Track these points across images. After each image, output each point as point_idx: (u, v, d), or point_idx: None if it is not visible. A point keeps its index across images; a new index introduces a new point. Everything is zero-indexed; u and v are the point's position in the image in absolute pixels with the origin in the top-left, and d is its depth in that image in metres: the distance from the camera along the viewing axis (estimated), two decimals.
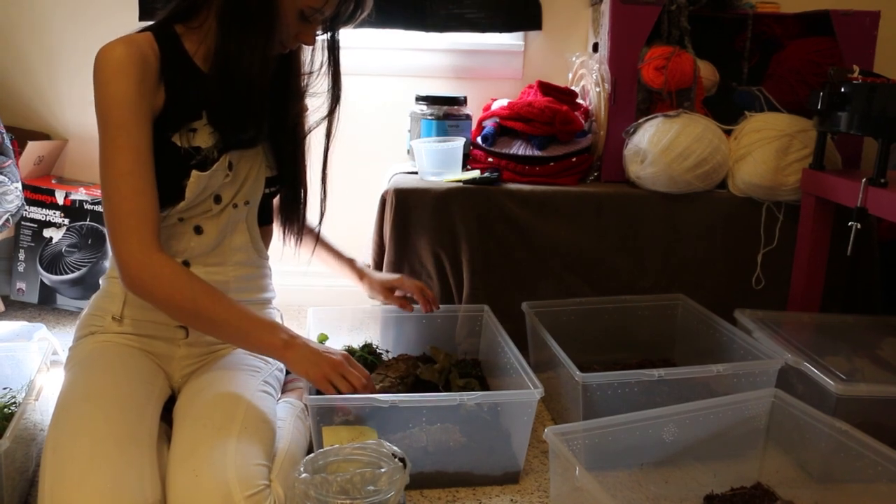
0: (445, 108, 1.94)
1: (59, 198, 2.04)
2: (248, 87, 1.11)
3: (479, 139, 1.93)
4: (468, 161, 1.94)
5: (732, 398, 1.28)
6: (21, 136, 2.05)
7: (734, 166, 1.83)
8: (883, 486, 1.12)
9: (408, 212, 1.74)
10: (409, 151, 2.02)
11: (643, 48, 1.89)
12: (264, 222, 1.33)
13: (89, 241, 2.04)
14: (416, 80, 2.20)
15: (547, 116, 1.84)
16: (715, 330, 1.62)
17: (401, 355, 1.58)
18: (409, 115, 2.02)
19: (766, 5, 2.03)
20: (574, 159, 1.87)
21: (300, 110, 1.28)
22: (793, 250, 1.80)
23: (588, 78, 1.99)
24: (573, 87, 2.05)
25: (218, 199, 1.21)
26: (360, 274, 1.51)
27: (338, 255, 1.51)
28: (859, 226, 1.51)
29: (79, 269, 2.03)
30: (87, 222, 2.04)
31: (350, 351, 1.56)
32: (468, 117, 1.96)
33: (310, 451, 1.24)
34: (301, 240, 1.42)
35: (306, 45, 1.18)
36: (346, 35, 1.26)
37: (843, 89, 1.57)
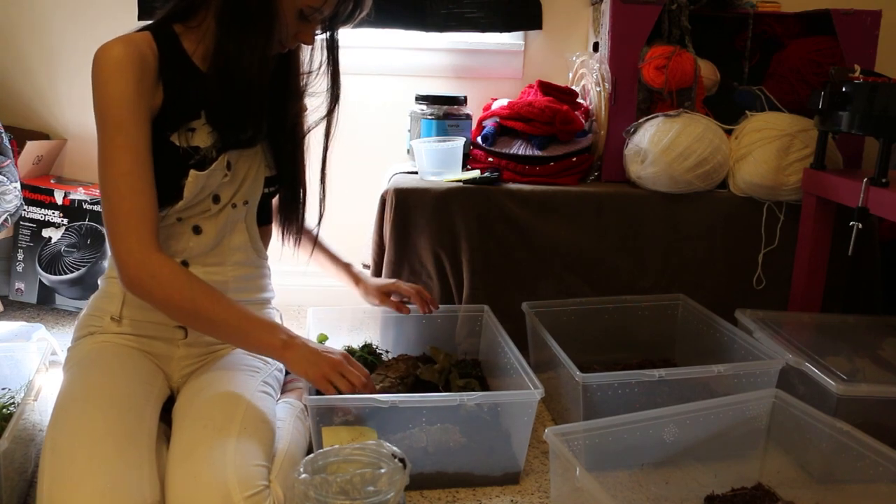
0: (445, 107, 1.94)
1: (58, 197, 2.03)
2: (247, 87, 1.11)
3: (479, 139, 1.93)
4: (468, 161, 1.93)
5: (733, 398, 1.28)
6: (20, 136, 2.05)
7: (735, 166, 1.82)
8: (884, 486, 1.12)
9: (408, 212, 1.73)
10: (409, 151, 2.02)
11: (644, 48, 1.88)
12: (263, 222, 1.33)
13: (88, 241, 2.04)
14: (416, 80, 2.20)
15: (547, 116, 1.84)
16: (715, 330, 1.62)
17: (401, 355, 1.57)
18: (409, 114, 2.02)
19: (766, 4, 2.03)
20: (574, 159, 1.87)
21: (299, 110, 1.28)
22: (794, 250, 1.80)
23: (588, 77, 1.98)
24: (573, 87, 2.04)
25: (217, 199, 1.21)
26: (357, 279, 1.51)
27: (335, 259, 1.50)
28: (860, 226, 1.50)
29: (78, 269, 2.03)
30: (86, 222, 2.04)
31: (350, 351, 1.56)
32: (468, 117, 1.96)
33: (309, 451, 1.23)
34: (300, 240, 1.42)
35: (305, 44, 1.18)
36: (346, 34, 1.25)
37: (844, 89, 1.57)
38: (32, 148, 2.06)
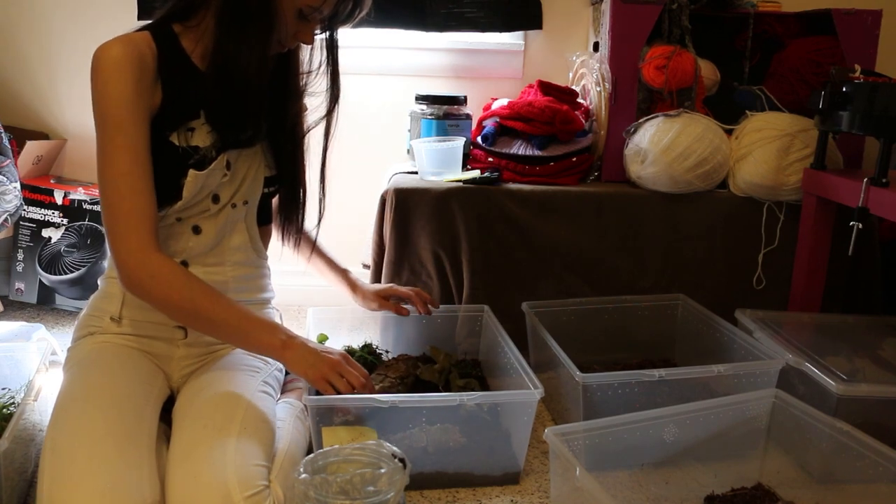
0: (445, 107, 1.94)
1: (58, 197, 2.03)
2: (246, 86, 1.11)
3: (479, 139, 1.93)
4: (468, 161, 1.93)
5: (733, 398, 1.28)
6: (20, 136, 2.05)
7: (735, 166, 1.82)
8: (884, 486, 1.12)
9: (408, 212, 1.73)
10: (409, 151, 2.02)
11: (644, 47, 1.88)
12: (263, 222, 1.33)
13: (88, 241, 2.04)
14: (416, 80, 2.20)
15: (547, 116, 1.84)
16: (715, 330, 1.61)
17: (401, 355, 1.57)
18: (409, 114, 2.02)
19: (767, 4, 2.03)
20: (574, 159, 1.87)
21: (299, 110, 1.28)
22: (794, 250, 1.80)
23: (588, 77, 1.98)
24: (573, 87, 2.04)
25: (216, 199, 1.21)
26: (353, 286, 1.51)
27: (332, 264, 1.50)
28: (860, 226, 1.50)
29: (78, 269, 2.03)
30: (86, 222, 2.04)
31: (350, 351, 1.56)
32: (468, 117, 1.96)
33: (309, 451, 1.23)
34: (299, 241, 1.42)
35: (305, 44, 1.18)
36: (346, 34, 1.25)
37: (844, 89, 1.57)
38: (32, 148, 2.06)
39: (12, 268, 2.05)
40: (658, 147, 1.76)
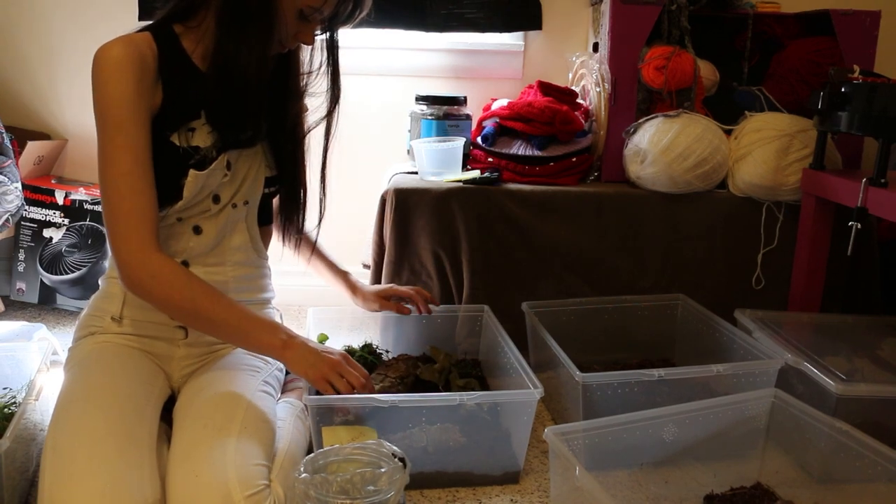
0: (445, 108, 1.94)
1: (59, 198, 2.04)
2: (247, 87, 1.11)
3: (479, 139, 1.93)
4: (468, 161, 1.93)
5: (732, 398, 1.28)
6: (21, 136, 2.05)
7: (734, 166, 1.82)
8: (883, 486, 1.12)
9: (408, 212, 1.74)
10: (409, 151, 2.02)
11: (643, 48, 1.89)
12: (264, 222, 1.33)
13: (89, 241, 2.04)
14: (416, 80, 2.20)
15: (547, 116, 1.84)
16: (715, 330, 1.62)
17: (401, 355, 1.58)
18: (409, 115, 2.02)
19: (766, 5, 2.03)
20: (574, 159, 1.87)
21: (299, 110, 1.28)
22: (793, 250, 1.80)
23: (588, 78, 1.99)
24: (573, 87, 2.05)
25: (217, 199, 1.21)
26: (353, 288, 1.51)
27: (332, 266, 1.50)
28: (859, 226, 1.51)
29: (79, 269, 2.03)
30: (87, 222, 2.04)
31: (350, 351, 1.56)
32: (468, 117, 1.96)
33: (310, 451, 1.23)
34: (300, 242, 1.42)
35: (305, 44, 1.18)
36: (346, 35, 1.26)
37: (843, 89, 1.57)
38: (33, 148, 2.07)
39: (13, 268, 2.05)
40: (658, 147, 1.76)
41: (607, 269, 1.82)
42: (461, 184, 1.76)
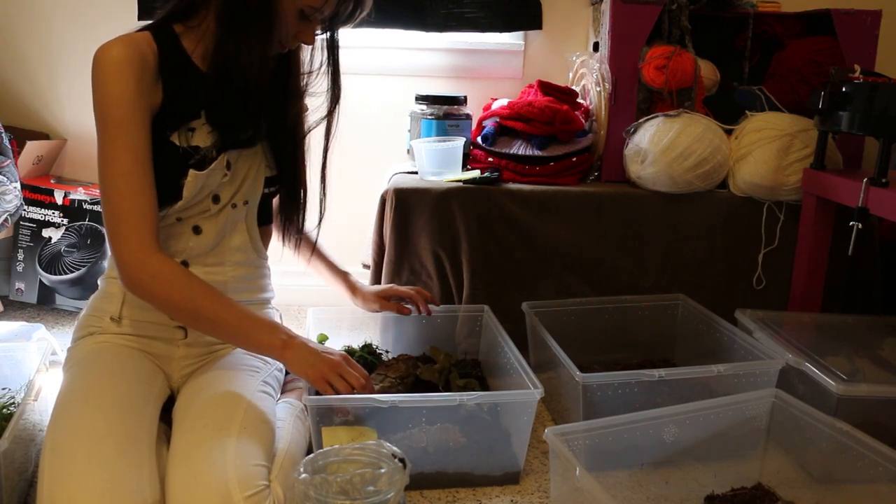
0: (445, 107, 1.94)
1: (58, 197, 2.03)
2: (247, 87, 1.11)
3: (479, 139, 1.93)
4: (468, 161, 1.93)
5: (733, 398, 1.28)
6: (20, 136, 2.05)
7: (735, 166, 1.82)
8: (883, 486, 1.12)
9: (408, 212, 1.74)
10: (409, 151, 2.02)
11: (644, 47, 1.88)
12: (264, 222, 1.33)
13: (88, 241, 2.04)
14: (416, 80, 2.20)
15: (547, 116, 1.84)
16: (715, 330, 1.62)
17: (401, 355, 1.57)
18: (409, 114, 2.02)
19: (766, 4, 2.03)
20: (574, 159, 1.87)
21: (299, 110, 1.28)
22: (794, 250, 1.80)
23: (588, 77, 1.98)
24: (573, 87, 2.04)
25: (216, 199, 1.21)
26: (353, 288, 1.51)
27: (333, 267, 1.50)
28: (860, 226, 1.50)
29: (78, 269, 2.03)
30: (87, 222, 2.04)
31: (350, 351, 1.56)
32: (468, 117, 1.96)
33: (309, 451, 1.23)
34: (300, 242, 1.42)
35: (306, 44, 1.18)
36: (346, 34, 1.25)
37: (844, 89, 1.57)
38: (32, 148, 2.06)
39: (12, 268, 2.05)
40: (658, 147, 1.76)
41: (607, 269, 1.82)
42: (461, 184, 1.76)
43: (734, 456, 1.30)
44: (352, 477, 0.96)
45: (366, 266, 1.87)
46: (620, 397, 1.34)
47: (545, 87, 1.97)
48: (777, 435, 1.31)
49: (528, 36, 2.23)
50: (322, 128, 1.27)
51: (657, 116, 1.82)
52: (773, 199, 1.81)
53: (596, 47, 2.01)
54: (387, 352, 1.61)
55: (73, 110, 2.19)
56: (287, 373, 1.41)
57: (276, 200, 1.37)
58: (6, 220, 1.87)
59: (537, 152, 1.84)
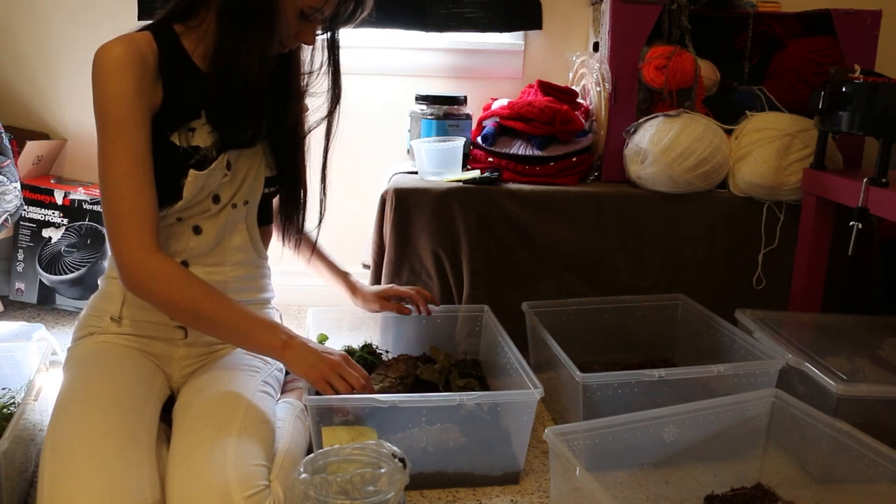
0: (445, 107, 1.94)
1: (58, 197, 2.03)
2: (247, 87, 1.11)
3: (479, 139, 1.93)
4: (468, 161, 1.93)
5: (733, 398, 1.28)
6: (20, 136, 2.05)
7: (735, 166, 1.82)
8: (883, 486, 1.12)
9: (408, 212, 1.74)
10: (409, 151, 2.02)
11: (644, 47, 1.88)
12: (264, 222, 1.33)
13: (88, 241, 2.04)
14: (416, 80, 2.20)
15: (547, 116, 1.84)
16: (715, 330, 1.62)
17: (401, 355, 1.57)
18: (409, 114, 2.02)
19: (766, 4, 2.03)
20: (574, 159, 1.87)
21: (300, 110, 1.28)
22: (794, 250, 1.80)
23: (588, 77, 1.98)
24: (573, 87, 2.04)
25: (216, 199, 1.21)
26: (353, 289, 1.51)
27: (333, 267, 1.50)
28: (860, 226, 1.50)
29: (78, 269, 2.03)
30: (87, 222, 2.04)
31: (350, 351, 1.56)
32: (468, 117, 1.96)
33: (309, 451, 1.23)
34: (300, 242, 1.42)
35: (306, 44, 1.18)
36: (346, 34, 1.25)
37: (844, 89, 1.57)
38: (32, 148, 2.06)
39: (12, 268, 2.05)
40: (658, 147, 1.76)
41: (607, 269, 1.82)
42: (461, 184, 1.76)
43: (734, 456, 1.30)
44: (352, 477, 0.96)
45: (366, 266, 1.87)
46: (620, 397, 1.34)
47: (545, 87, 1.97)
48: (777, 435, 1.31)
49: (528, 36, 2.23)
50: (322, 128, 1.27)
51: (657, 116, 1.82)
52: (773, 199, 1.81)
53: (596, 47, 2.01)
54: (387, 352, 1.61)
55: (73, 110, 2.19)
56: (287, 373, 1.41)
57: (276, 200, 1.37)
58: (6, 220, 1.87)
59: (537, 152, 1.84)
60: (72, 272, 2.03)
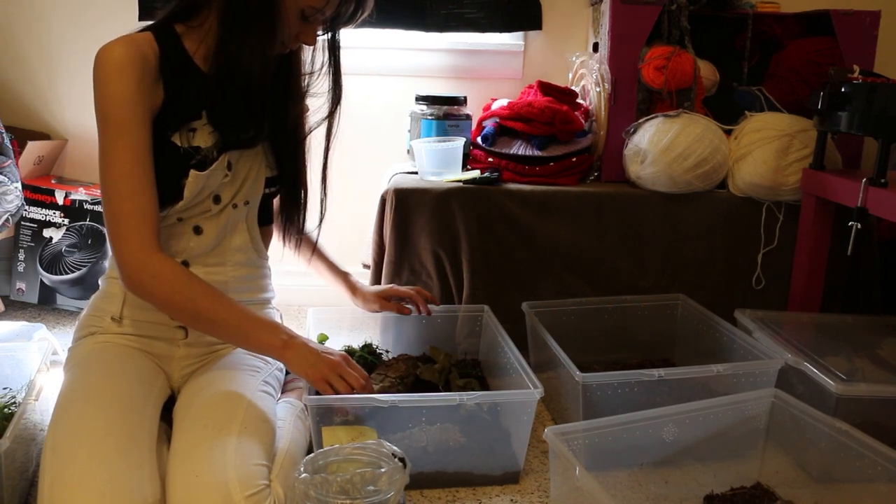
0: (445, 108, 1.94)
1: (59, 198, 2.04)
2: (248, 87, 1.11)
3: (479, 139, 1.93)
4: (468, 161, 1.93)
5: (732, 398, 1.28)
6: (21, 136, 2.05)
7: (734, 166, 1.83)
8: (883, 486, 1.12)
9: (408, 212, 1.74)
10: (409, 151, 2.02)
11: (643, 48, 1.89)
12: (264, 222, 1.33)
13: (89, 241, 2.04)
14: (416, 80, 2.20)
15: (547, 116, 1.84)
16: (715, 330, 1.62)
17: (401, 355, 1.58)
18: (409, 114, 2.02)
19: (766, 5, 2.03)
20: (574, 159, 1.87)
21: (301, 111, 1.28)
22: (793, 250, 1.80)
23: (588, 78, 1.99)
24: (573, 87, 2.05)
25: (217, 199, 1.21)
26: (354, 289, 1.51)
27: (333, 267, 1.50)
28: (859, 226, 1.51)
29: (79, 269, 2.03)
30: (87, 222, 2.04)
31: (350, 351, 1.56)
32: (468, 117, 1.96)
33: (310, 451, 1.24)
34: (300, 242, 1.42)
35: (307, 45, 1.18)
36: (347, 35, 1.25)
37: (843, 89, 1.57)
38: (33, 148, 2.07)
39: (13, 268, 2.05)
40: (657, 147, 1.76)
41: (607, 269, 1.83)
42: (461, 184, 1.76)
43: (733, 456, 1.30)
44: (352, 476, 0.96)
45: (366, 266, 1.87)
46: (620, 397, 1.34)
47: (545, 88, 1.97)
48: (776, 435, 1.31)
49: (528, 36, 2.23)
50: (322, 128, 1.27)
51: (657, 117, 1.82)
52: (773, 199, 1.81)
53: (596, 48, 2.02)
54: (387, 352, 1.61)
55: (74, 110, 2.19)
56: (287, 373, 1.41)
57: (276, 201, 1.37)
58: (7, 220, 1.87)
59: (537, 152, 1.85)
60: (72, 272, 2.03)
